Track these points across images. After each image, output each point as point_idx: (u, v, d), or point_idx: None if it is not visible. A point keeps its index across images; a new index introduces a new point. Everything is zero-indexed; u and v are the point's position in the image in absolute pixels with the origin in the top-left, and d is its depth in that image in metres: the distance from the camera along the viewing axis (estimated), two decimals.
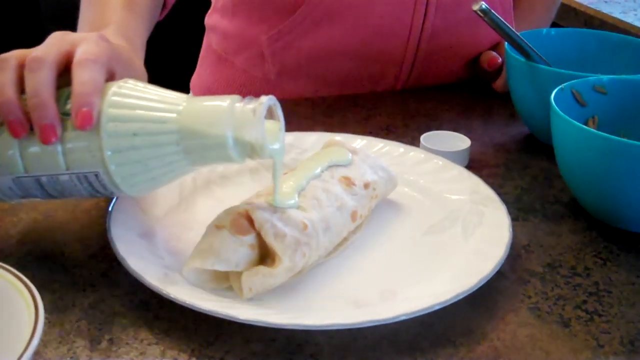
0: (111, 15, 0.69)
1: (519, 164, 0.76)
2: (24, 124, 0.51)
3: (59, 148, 0.51)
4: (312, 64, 0.92)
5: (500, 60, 0.92)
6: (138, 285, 0.51)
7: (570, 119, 0.62)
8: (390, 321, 0.49)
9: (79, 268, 0.57)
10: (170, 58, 1.25)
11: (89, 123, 0.50)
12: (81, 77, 0.51)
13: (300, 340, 0.50)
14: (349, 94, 0.92)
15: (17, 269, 0.46)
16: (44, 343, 0.49)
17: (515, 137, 0.82)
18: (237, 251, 0.51)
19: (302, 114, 0.87)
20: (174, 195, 0.65)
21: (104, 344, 0.49)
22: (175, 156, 0.51)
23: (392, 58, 0.92)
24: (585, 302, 0.55)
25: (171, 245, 0.58)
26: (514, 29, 0.77)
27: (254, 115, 0.49)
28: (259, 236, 0.52)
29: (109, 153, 0.50)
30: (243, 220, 0.52)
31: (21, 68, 0.52)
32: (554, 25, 1.18)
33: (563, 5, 1.31)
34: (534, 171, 0.74)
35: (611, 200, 0.62)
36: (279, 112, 0.53)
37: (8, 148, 0.52)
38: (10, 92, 0.51)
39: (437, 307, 0.50)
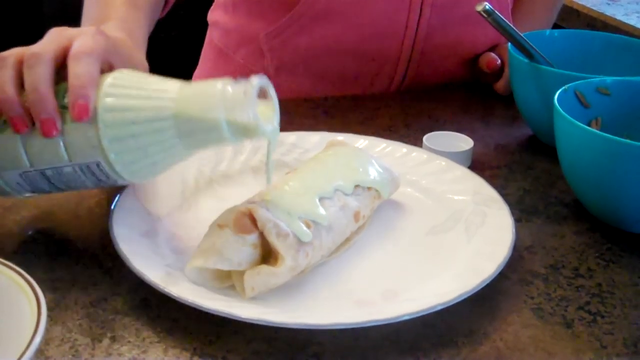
0: (113, 11, 0.69)
1: (521, 165, 0.76)
2: (25, 120, 0.52)
3: (60, 141, 0.52)
4: (309, 61, 0.93)
5: (499, 62, 0.92)
6: (140, 284, 0.51)
7: (573, 120, 0.62)
8: (393, 321, 0.48)
9: (82, 266, 0.57)
10: (174, 53, 1.26)
11: (86, 114, 0.51)
12: (76, 70, 0.52)
13: (302, 340, 0.50)
14: (350, 94, 0.92)
15: (20, 266, 0.46)
16: (46, 341, 0.49)
17: (518, 138, 0.82)
18: (240, 250, 0.51)
19: (303, 114, 0.86)
20: (176, 194, 0.65)
21: (106, 342, 0.49)
22: (172, 141, 0.51)
23: (388, 56, 0.92)
24: (588, 303, 0.55)
25: (173, 245, 0.58)
26: (517, 30, 0.77)
27: (245, 97, 0.50)
28: (261, 235, 0.52)
29: (107, 142, 0.51)
30: (246, 219, 0.52)
31: (20, 65, 0.53)
32: (557, 27, 1.18)
33: (566, 7, 1.31)
34: (536, 172, 0.74)
35: (614, 202, 0.62)
36: (271, 92, 0.54)
37: (12, 144, 0.53)
38: (11, 89, 0.52)
39: (439, 308, 0.50)
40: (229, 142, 0.51)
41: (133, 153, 0.52)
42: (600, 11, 1.27)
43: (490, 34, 0.95)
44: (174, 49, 1.29)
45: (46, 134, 0.51)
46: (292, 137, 0.74)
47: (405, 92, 0.94)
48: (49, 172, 0.53)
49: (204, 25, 1.05)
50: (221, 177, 0.69)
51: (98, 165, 0.52)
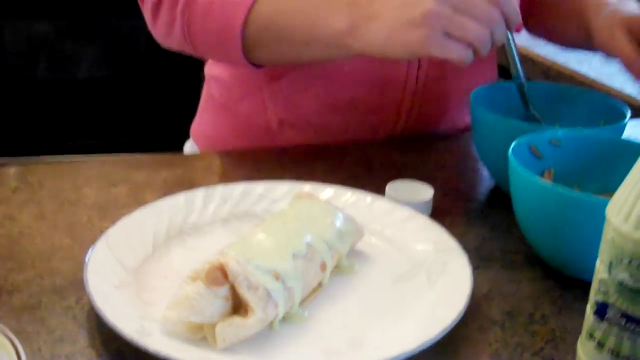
0: None
1: (481, 213, 0.79)
2: None
3: None
4: (312, 116, 0.95)
5: None
6: (115, 336, 0.53)
7: (525, 171, 0.65)
8: None
9: (57, 318, 0.58)
10: (167, 106, 1.28)
11: None
12: None
13: None
14: (317, 144, 0.95)
15: None
16: None
17: (478, 186, 0.86)
18: (212, 303, 0.53)
19: (271, 162, 0.89)
20: (147, 245, 0.67)
21: None
22: None
23: (389, 109, 0.95)
24: (542, 349, 0.58)
25: (146, 296, 0.60)
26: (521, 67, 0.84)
27: None
28: (232, 287, 0.55)
29: None
30: (217, 272, 0.55)
31: None
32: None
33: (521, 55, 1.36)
34: (495, 220, 0.78)
35: (565, 250, 0.65)
36: None
37: None
38: None
39: (403, 357, 0.52)
40: None
41: None
42: (554, 60, 1.32)
43: (487, 75, 0.99)
44: (167, 101, 1.32)
45: None
46: (261, 187, 0.76)
47: (369, 142, 0.97)
48: None
49: (196, 78, 1.07)
50: (191, 228, 0.71)
51: None
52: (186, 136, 1.10)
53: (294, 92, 0.94)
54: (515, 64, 0.83)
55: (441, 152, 0.95)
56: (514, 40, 0.82)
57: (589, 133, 0.76)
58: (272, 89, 0.95)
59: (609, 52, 0.85)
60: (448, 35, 0.71)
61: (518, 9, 0.73)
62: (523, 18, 1.02)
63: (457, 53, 0.71)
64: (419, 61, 0.94)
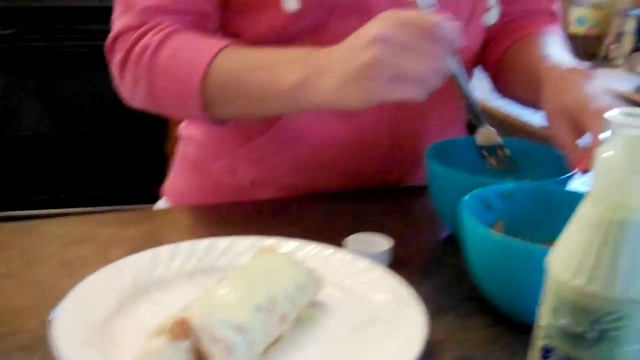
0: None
1: (437, 263, 0.82)
2: None
3: None
4: (285, 176, 0.98)
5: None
6: None
7: (475, 223, 0.69)
8: None
9: None
10: (139, 163, 1.30)
11: None
12: None
13: None
14: (276, 197, 0.98)
15: None
16: None
17: (435, 236, 0.89)
18: (176, 357, 0.55)
19: (235, 216, 0.92)
20: (113, 301, 0.69)
21: None
22: None
23: (362, 168, 0.98)
24: None
25: (112, 351, 0.61)
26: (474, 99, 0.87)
27: None
28: (196, 341, 0.57)
29: None
30: (181, 327, 0.57)
31: None
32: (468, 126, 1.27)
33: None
34: (450, 269, 0.81)
35: (515, 298, 0.69)
36: None
37: None
38: None
39: None
40: None
41: None
42: (507, 112, 1.38)
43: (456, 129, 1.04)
44: (138, 159, 1.33)
45: None
46: (225, 241, 0.79)
47: (328, 194, 1.00)
48: None
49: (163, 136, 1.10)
50: (157, 283, 0.73)
51: None
52: (158, 197, 1.12)
53: (267, 154, 0.96)
54: (460, 85, 0.85)
55: (400, 203, 0.99)
56: (458, 66, 0.84)
57: (536, 185, 0.80)
58: (245, 150, 0.97)
59: (552, 136, 0.84)
60: (395, 77, 0.73)
61: (456, 34, 0.75)
62: (494, 82, 1.08)
63: (407, 93, 0.74)
64: (389, 116, 0.97)
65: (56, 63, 2.44)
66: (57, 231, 0.85)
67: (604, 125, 0.50)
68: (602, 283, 0.49)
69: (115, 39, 0.90)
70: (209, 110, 0.86)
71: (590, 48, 1.84)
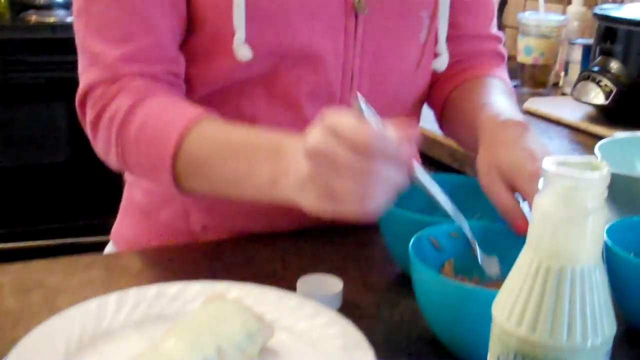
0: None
1: (389, 304, 0.82)
2: None
3: None
4: (237, 222, 0.97)
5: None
6: None
7: (423, 266, 0.69)
8: None
9: None
10: (95, 194, 1.26)
11: None
12: None
13: None
14: (227, 238, 0.97)
15: None
16: None
17: (388, 277, 0.89)
18: None
19: (186, 259, 0.91)
20: (60, 353, 0.67)
21: None
22: None
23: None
24: None
25: None
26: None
27: None
28: None
29: None
30: None
31: None
32: (423, 155, 1.28)
33: (428, 138, 1.43)
34: (402, 310, 0.81)
35: (465, 341, 0.69)
36: None
37: None
38: None
39: None
40: None
41: None
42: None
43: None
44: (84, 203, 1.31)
45: None
46: (174, 288, 0.78)
47: (280, 234, 0.99)
48: None
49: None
50: (104, 334, 0.71)
51: None
52: (106, 243, 1.10)
53: (219, 199, 0.94)
54: (425, 191, 0.76)
55: (354, 242, 0.99)
56: (424, 174, 0.75)
57: (485, 225, 0.81)
58: (195, 196, 0.96)
59: (487, 196, 0.80)
60: (330, 196, 0.67)
61: (402, 146, 0.66)
62: (439, 122, 1.08)
63: (349, 212, 0.67)
64: None
65: (10, 95, 2.41)
66: (4, 279, 0.83)
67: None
68: (544, 331, 0.50)
69: (85, 94, 0.87)
70: (182, 186, 0.84)
71: (539, 76, 1.87)
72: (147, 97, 0.84)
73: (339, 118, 0.66)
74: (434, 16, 0.97)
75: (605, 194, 0.50)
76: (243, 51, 0.86)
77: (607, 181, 0.50)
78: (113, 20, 0.85)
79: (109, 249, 1.08)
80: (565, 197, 0.49)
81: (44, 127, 2.49)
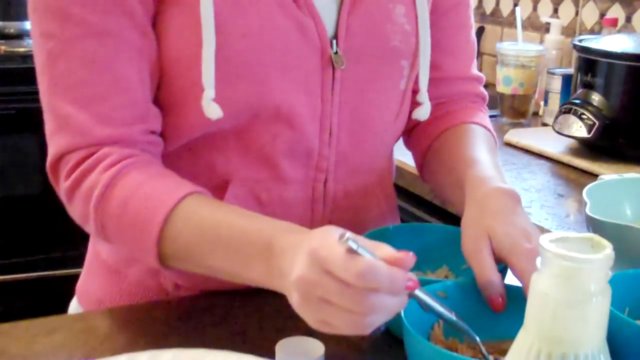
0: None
1: None
2: None
3: None
4: (213, 278, 0.91)
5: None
6: None
7: (410, 332, 0.66)
8: None
9: None
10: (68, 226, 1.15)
11: None
12: None
13: None
14: (200, 294, 0.92)
15: None
16: None
17: (372, 336, 0.84)
18: None
19: (156, 318, 0.86)
20: None
21: None
22: None
23: None
24: None
25: None
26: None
27: None
28: None
29: None
30: None
31: None
32: (399, 186, 1.24)
33: (410, 174, 1.40)
34: None
35: None
36: None
37: None
38: None
39: None
40: None
41: None
42: None
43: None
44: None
45: None
46: (144, 356, 0.73)
47: (259, 291, 0.94)
48: None
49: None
50: None
51: None
52: (71, 295, 1.04)
53: None
54: (437, 312, 0.71)
55: None
56: (422, 293, 0.69)
57: (470, 282, 0.77)
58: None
59: (469, 261, 0.77)
60: (322, 322, 0.66)
61: (396, 280, 0.63)
62: (420, 170, 1.04)
63: (340, 333, 0.66)
64: (323, 213, 0.92)
65: None
66: None
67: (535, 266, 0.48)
68: None
69: (58, 161, 0.80)
70: (168, 265, 0.80)
71: (518, 106, 1.85)
72: (126, 170, 0.78)
73: (329, 252, 0.63)
74: (414, 64, 0.93)
75: (610, 275, 0.47)
76: (212, 109, 0.80)
77: (611, 262, 0.46)
78: (81, 79, 0.78)
79: (73, 305, 1.02)
80: (566, 279, 0.46)
81: (14, 158, 2.44)
